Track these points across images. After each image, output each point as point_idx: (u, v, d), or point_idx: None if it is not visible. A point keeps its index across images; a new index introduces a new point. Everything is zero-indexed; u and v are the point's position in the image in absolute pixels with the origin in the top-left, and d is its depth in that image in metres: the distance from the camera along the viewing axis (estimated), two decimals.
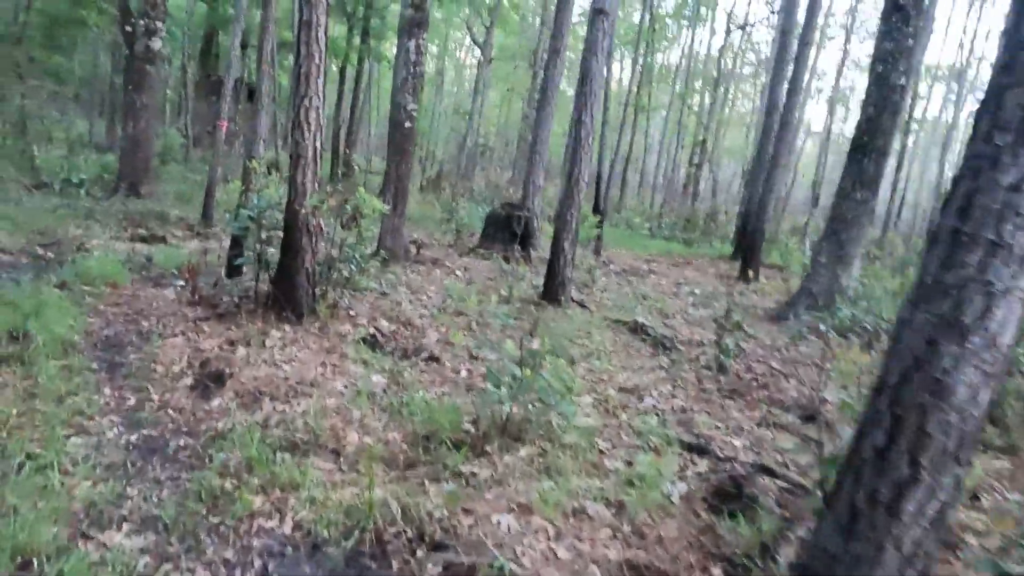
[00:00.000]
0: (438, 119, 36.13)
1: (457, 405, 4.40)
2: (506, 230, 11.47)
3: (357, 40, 27.13)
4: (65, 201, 10.53)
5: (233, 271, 7.13)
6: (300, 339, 5.50)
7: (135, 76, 11.95)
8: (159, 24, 11.99)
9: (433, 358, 5.79)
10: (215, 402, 4.26)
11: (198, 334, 5.39)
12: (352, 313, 6.54)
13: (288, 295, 5.87)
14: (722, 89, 27.16)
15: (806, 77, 21.64)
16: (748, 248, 13.26)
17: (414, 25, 9.39)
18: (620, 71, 41.45)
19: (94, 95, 23.22)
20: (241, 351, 5.08)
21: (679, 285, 11.74)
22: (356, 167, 29.72)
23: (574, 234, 8.33)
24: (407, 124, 9.58)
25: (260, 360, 4.92)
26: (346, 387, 4.73)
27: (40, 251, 7.74)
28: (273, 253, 6.18)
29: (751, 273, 12.96)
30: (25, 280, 6.09)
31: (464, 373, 5.47)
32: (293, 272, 5.85)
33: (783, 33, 16.51)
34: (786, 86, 13.80)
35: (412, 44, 9.43)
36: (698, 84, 29.57)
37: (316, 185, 5.87)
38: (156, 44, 12.10)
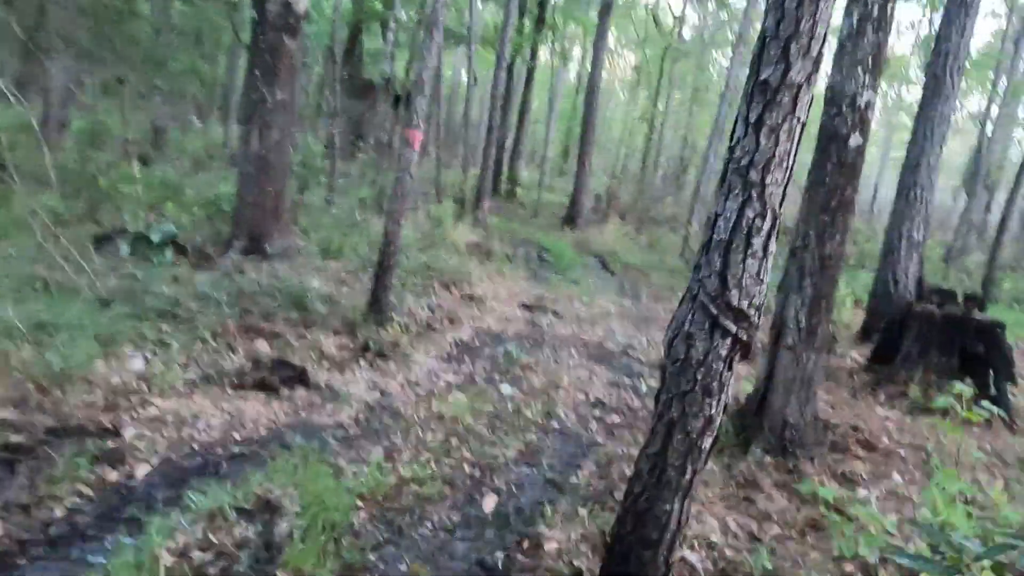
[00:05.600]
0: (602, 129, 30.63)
1: None
2: (946, 347, 5.74)
3: (528, 27, 22.11)
4: (129, 280, 5.69)
5: None
6: None
7: (266, 57, 7.15)
8: None
9: None
10: None
11: None
12: None
13: None
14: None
15: None
16: None
17: None
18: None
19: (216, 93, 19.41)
20: None
21: None
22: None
23: None
24: (852, 141, 4.08)
25: None
26: None
27: None
28: None
29: None
30: None
31: None
32: None
33: None
34: None
35: None
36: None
37: None
38: (301, 4, 7.26)
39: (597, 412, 5.05)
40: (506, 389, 5.19)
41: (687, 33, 29.75)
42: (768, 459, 4.16)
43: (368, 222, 11.03)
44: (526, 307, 8.34)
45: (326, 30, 18.72)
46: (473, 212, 13.55)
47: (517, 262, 11.67)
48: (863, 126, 4.08)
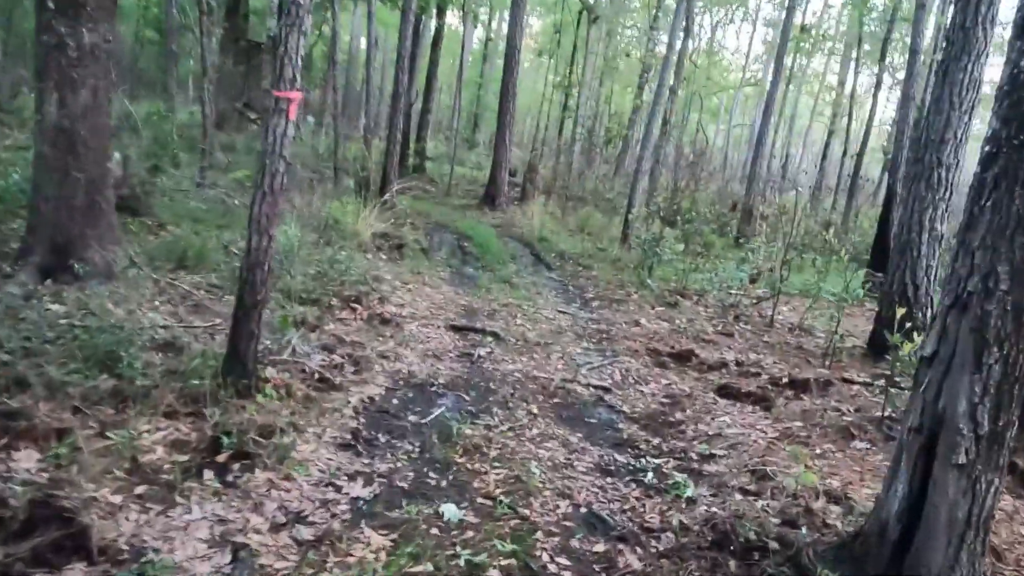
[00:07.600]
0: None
1: None
2: None
3: None
4: None
5: None
6: None
7: None
8: None
9: None
10: None
11: None
12: None
13: None
14: None
15: None
16: None
17: None
18: None
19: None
20: None
21: None
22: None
23: None
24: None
25: None
26: None
27: None
28: None
29: None
30: None
31: None
32: None
33: None
34: None
35: None
36: None
37: None
38: None
39: (599, 546, 3.14)
40: (450, 511, 3.20)
41: None
42: None
43: (247, 209, 8.71)
44: (456, 328, 6.34)
45: None
46: (379, 194, 11.33)
47: (435, 257, 9.63)
48: None
